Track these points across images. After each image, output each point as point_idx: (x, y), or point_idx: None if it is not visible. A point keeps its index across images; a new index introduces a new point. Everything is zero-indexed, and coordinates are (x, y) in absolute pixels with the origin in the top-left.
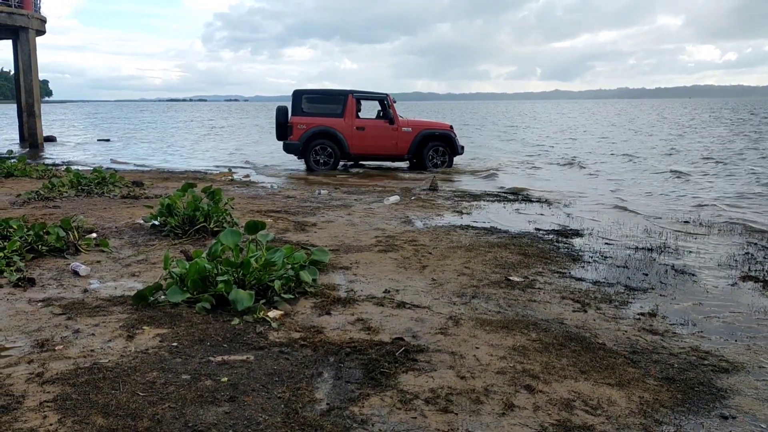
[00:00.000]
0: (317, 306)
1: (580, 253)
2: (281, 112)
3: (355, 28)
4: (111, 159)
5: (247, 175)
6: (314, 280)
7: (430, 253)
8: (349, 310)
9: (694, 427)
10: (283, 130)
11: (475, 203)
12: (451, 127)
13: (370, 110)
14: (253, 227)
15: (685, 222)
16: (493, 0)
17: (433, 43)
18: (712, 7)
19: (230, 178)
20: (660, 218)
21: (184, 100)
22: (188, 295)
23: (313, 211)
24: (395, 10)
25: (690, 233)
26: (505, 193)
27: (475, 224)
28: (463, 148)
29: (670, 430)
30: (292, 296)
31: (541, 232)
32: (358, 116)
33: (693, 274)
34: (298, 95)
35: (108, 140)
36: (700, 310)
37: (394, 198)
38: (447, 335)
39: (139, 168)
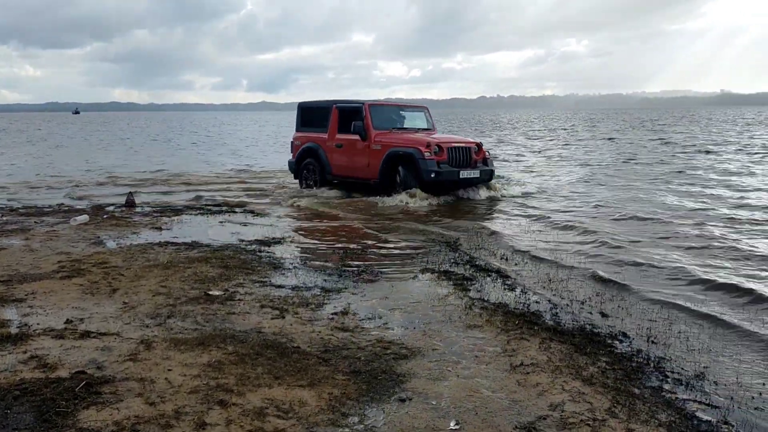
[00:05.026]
0: None
1: (281, 261)
2: None
3: (38, 32)
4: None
5: None
6: None
7: (123, 275)
8: (21, 347)
9: (376, 414)
10: None
11: (176, 218)
12: (428, 144)
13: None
14: None
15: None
16: (192, 10)
17: (131, 50)
18: (398, 27)
19: None
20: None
21: None
22: None
23: None
24: (84, 14)
25: (374, 233)
26: (210, 205)
27: (175, 240)
28: (437, 173)
29: (355, 420)
30: None
31: (244, 243)
32: (351, 131)
33: (382, 271)
34: (299, 108)
35: None
36: (386, 304)
37: (83, 218)
38: (137, 361)
39: None
